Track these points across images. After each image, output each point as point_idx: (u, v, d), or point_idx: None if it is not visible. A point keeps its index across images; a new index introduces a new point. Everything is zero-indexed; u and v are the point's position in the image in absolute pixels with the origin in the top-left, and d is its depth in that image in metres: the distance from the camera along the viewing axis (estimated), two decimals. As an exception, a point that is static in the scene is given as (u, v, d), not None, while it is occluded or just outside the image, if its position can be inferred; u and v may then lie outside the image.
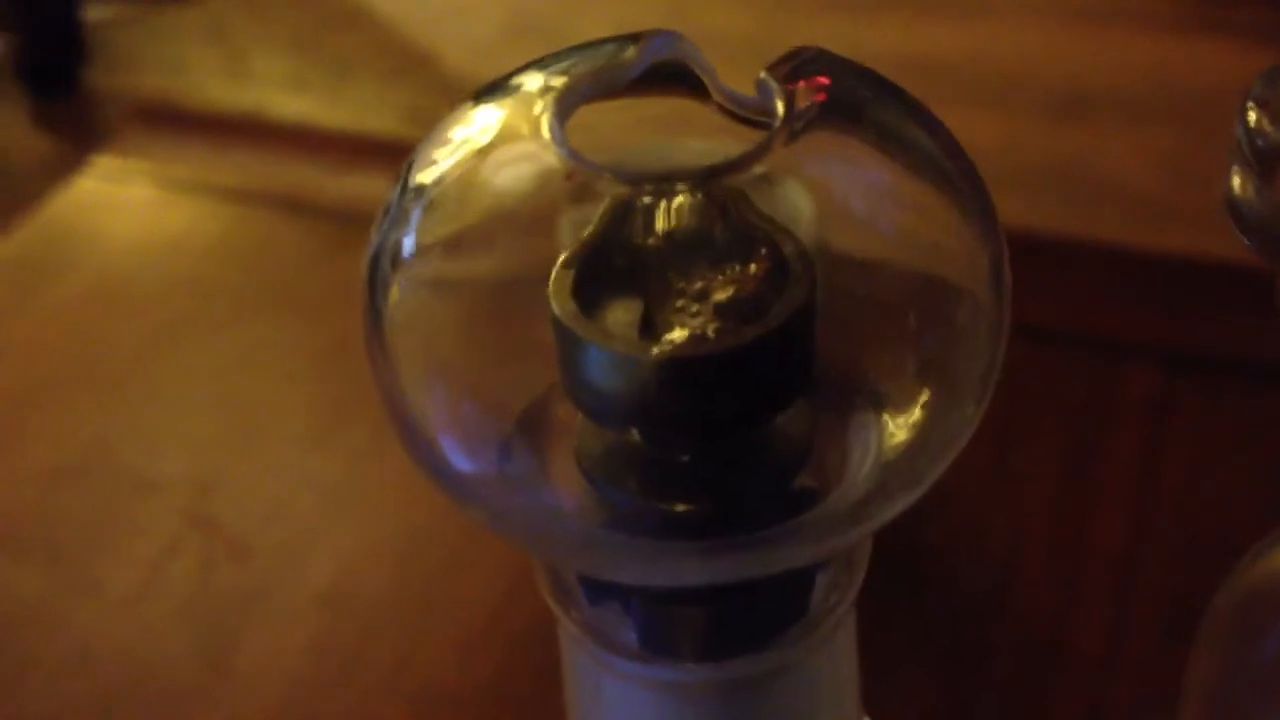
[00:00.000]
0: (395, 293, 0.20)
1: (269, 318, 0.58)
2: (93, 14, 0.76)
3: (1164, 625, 0.45)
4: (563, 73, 0.20)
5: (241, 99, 0.70)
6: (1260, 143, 0.19)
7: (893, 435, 0.20)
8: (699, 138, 0.21)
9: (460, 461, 0.20)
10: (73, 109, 0.71)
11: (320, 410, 0.54)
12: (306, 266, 0.60)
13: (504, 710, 0.45)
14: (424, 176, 0.20)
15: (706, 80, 0.20)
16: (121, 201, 0.65)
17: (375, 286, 0.20)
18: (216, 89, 0.72)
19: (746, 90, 0.20)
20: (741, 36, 0.69)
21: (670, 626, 0.21)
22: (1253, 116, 0.20)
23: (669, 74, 0.20)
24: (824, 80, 0.19)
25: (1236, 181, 0.20)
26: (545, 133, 0.19)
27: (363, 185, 0.56)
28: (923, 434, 0.20)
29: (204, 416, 0.55)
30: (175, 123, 0.70)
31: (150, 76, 0.73)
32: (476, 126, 0.20)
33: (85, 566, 0.50)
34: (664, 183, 0.18)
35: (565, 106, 0.19)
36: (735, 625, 0.21)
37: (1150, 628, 0.45)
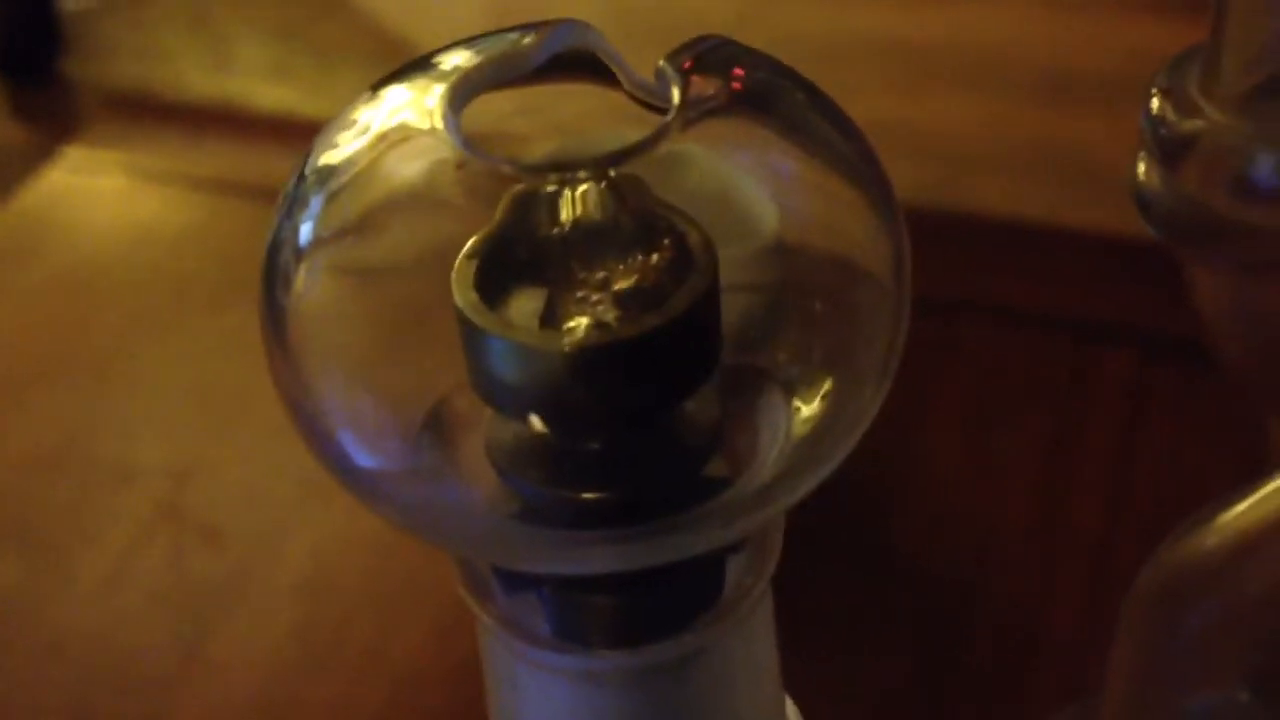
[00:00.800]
0: (295, 284, 0.20)
1: (244, 307, 0.58)
2: (70, 2, 0.75)
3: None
4: (476, 55, 0.20)
5: (221, 88, 0.70)
6: (1164, 131, 0.19)
7: (799, 417, 0.20)
8: (644, 127, 0.21)
9: (366, 458, 0.20)
10: (50, 98, 0.71)
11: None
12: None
13: (482, 692, 0.45)
14: (326, 159, 0.20)
15: (615, 69, 0.20)
16: (95, 191, 0.65)
17: (274, 278, 0.20)
18: (196, 78, 0.72)
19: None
20: (724, 20, 0.69)
21: (582, 615, 0.21)
22: (1156, 104, 0.20)
23: (577, 63, 0.20)
24: (726, 68, 0.20)
25: (1142, 170, 0.20)
26: (439, 123, 0.19)
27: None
28: (827, 416, 0.20)
29: (179, 405, 0.55)
30: (152, 112, 0.70)
31: (128, 65, 0.73)
32: (382, 110, 0.20)
33: (60, 555, 0.50)
34: (557, 173, 0.18)
35: (459, 96, 0.19)
36: (648, 611, 0.21)
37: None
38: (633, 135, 0.20)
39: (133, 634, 0.48)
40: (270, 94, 0.68)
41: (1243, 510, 0.24)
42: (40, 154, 0.66)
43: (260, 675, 0.47)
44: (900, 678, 0.45)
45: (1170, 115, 0.19)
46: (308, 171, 0.20)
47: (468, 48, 0.20)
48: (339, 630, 0.48)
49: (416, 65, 0.20)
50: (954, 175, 0.59)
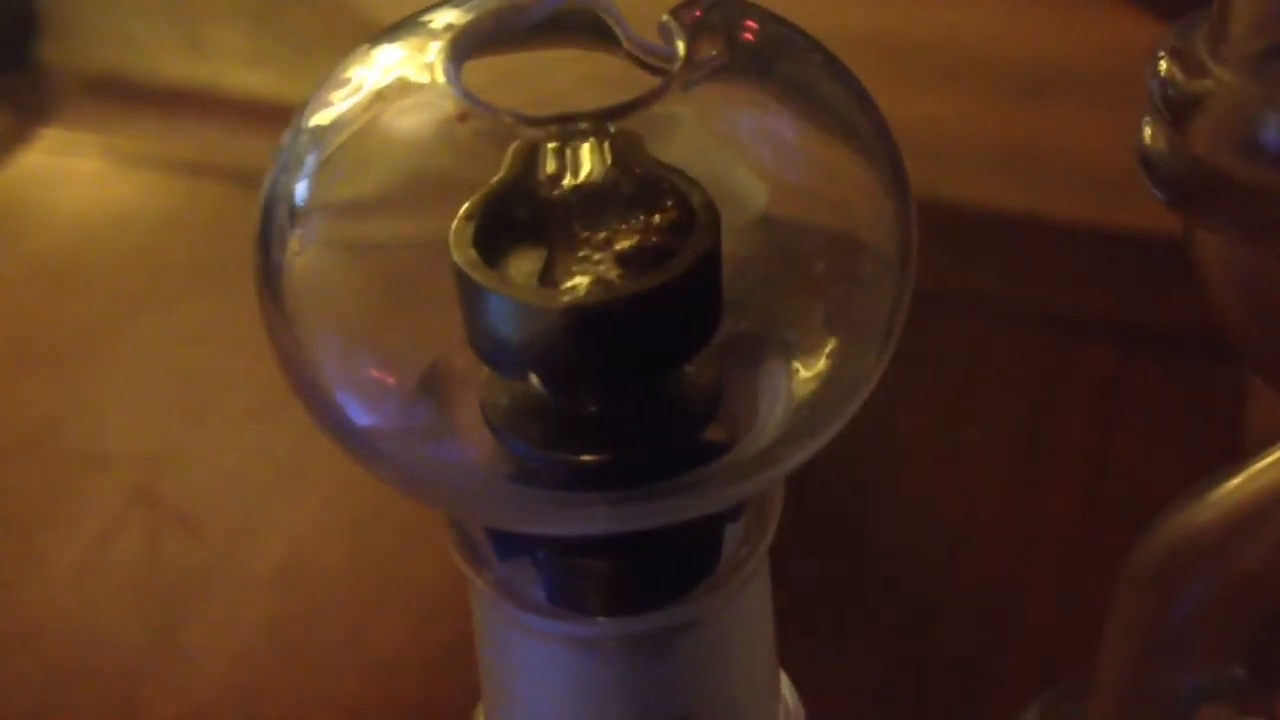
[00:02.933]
0: (290, 243, 0.19)
1: (220, 292, 0.58)
2: (44, -15, 0.75)
3: (1112, 597, 0.45)
4: (470, 11, 0.20)
5: (196, 73, 0.70)
6: (1172, 92, 0.19)
7: (800, 381, 0.20)
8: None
9: (363, 416, 0.20)
10: (25, 82, 0.70)
11: (271, 384, 0.53)
12: (259, 240, 0.59)
13: (457, 680, 0.45)
14: (319, 119, 0.19)
15: (614, 27, 0.20)
16: (70, 174, 0.65)
17: (268, 237, 0.19)
18: (171, 63, 0.71)
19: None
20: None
21: (579, 580, 0.21)
22: (1164, 65, 0.19)
23: (577, 22, 0.20)
24: (733, 24, 0.19)
25: (1148, 133, 0.20)
26: (439, 76, 0.18)
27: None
28: (828, 380, 0.19)
29: (154, 391, 0.55)
30: (126, 96, 0.69)
31: (103, 49, 0.72)
32: (376, 67, 0.19)
33: (32, 542, 0.50)
34: (559, 124, 0.18)
35: (460, 48, 0.19)
36: (644, 578, 0.21)
37: (1101, 599, 0.45)
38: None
39: (105, 623, 0.48)
40: (245, 79, 0.68)
41: (1235, 485, 0.24)
42: (15, 137, 0.65)
43: (235, 665, 0.46)
44: (877, 664, 0.45)
45: (1178, 76, 0.19)
46: (302, 129, 0.19)
47: (457, 5, 0.20)
48: (314, 620, 0.48)
49: (407, 25, 0.20)
50: (933, 170, 0.59)
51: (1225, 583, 0.23)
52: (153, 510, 0.50)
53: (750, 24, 0.19)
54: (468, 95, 0.18)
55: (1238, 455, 0.48)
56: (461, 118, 0.18)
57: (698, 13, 0.19)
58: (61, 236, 0.62)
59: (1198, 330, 0.53)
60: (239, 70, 0.70)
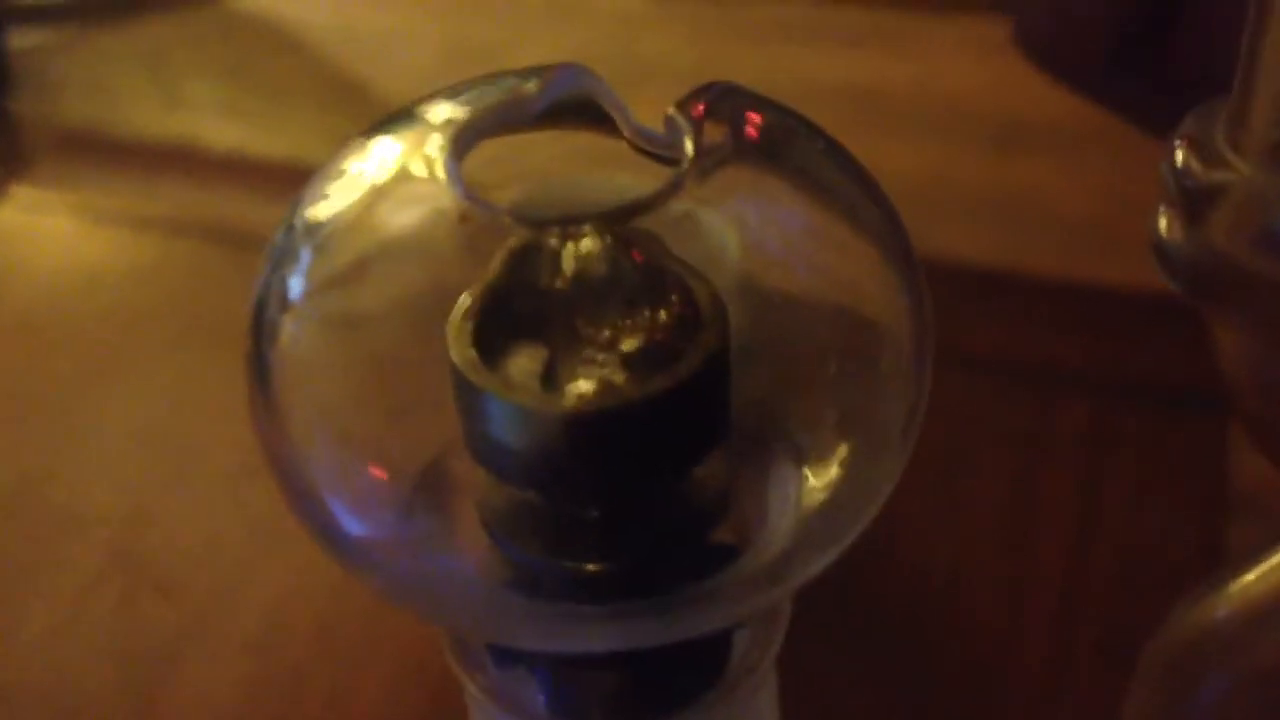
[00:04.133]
0: (282, 340, 0.19)
1: (198, 350, 0.57)
2: (17, 40, 0.74)
3: (1104, 650, 0.45)
4: (467, 104, 0.19)
5: (172, 127, 0.69)
6: (1189, 183, 0.19)
7: (813, 486, 0.19)
8: (629, 170, 0.20)
9: (355, 525, 0.19)
10: (-3, 137, 0.69)
11: (250, 444, 0.53)
12: (237, 297, 0.58)
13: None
14: (314, 214, 0.19)
15: (616, 116, 0.19)
16: (42, 232, 0.64)
17: (260, 333, 0.19)
18: (146, 117, 0.70)
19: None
20: (685, 66, 0.69)
21: (580, 691, 0.20)
22: (1180, 156, 0.19)
23: (577, 109, 0.19)
24: (738, 117, 0.19)
25: (1163, 223, 0.19)
26: (440, 173, 0.18)
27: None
28: (843, 487, 0.19)
29: (130, 451, 0.54)
30: (100, 151, 0.68)
31: (77, 103, 0.72)
32: (372, 162, 0.19)
33: (7, 604, 0.49)
34: (565, 227, 0.18)
35: (462, 143, 0.18)
36: (649, 689, 0.20)
37: (1092, 654, 0.45)
38: (608, 180, 0.19)
39: (81, 687, 0.47)
40: (221, 133, 0.67)
41: (1254, 579, 0.23)
42: (-13, 193, 0.64)
43: (212, 730, 0.46)
44: (871, 715, 0.45)
45: (1195, 167, 0.19)
46: (296, 223, 0.19)
47: (451, 98, 0.19)
48: (294, 683, 0.47)
49: (403, 117, 0.19)
50: (910, 222, 0.58)
51: (1243, 677, 0.23)
52: (130, 571, 0.49)
53: (755, 117, 0.19)
54: (469, 195, 0.17)
55: (1224, 508, 0.48)
56: (463, 219, 0.17)
57: (703, 106, 0.18)
58: (35, 294, 0.61)
59: (1180, 382, 0.52)
60: (214, 124, 0.70)
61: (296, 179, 0.60)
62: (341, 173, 0.19)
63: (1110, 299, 0.56)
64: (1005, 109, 0.64)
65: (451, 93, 0.19)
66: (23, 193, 0.65)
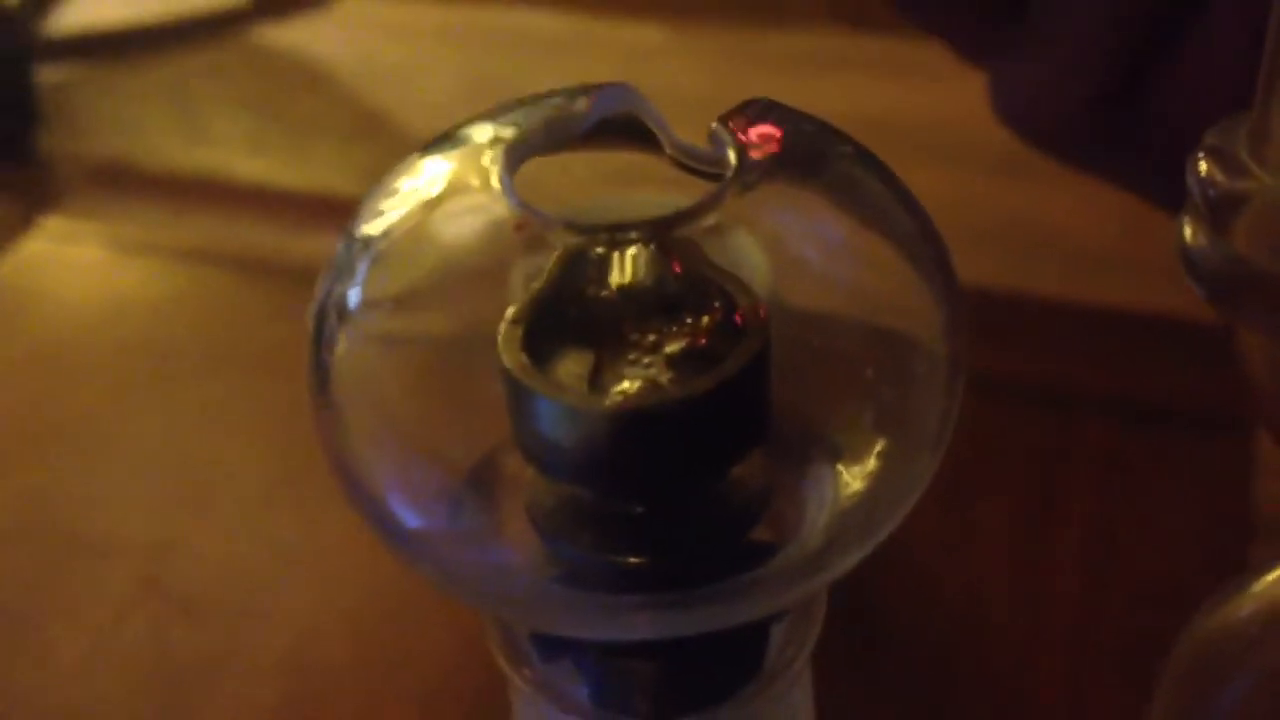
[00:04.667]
0: (341, 347, 0.19)
1: (224, 378, 0.58)
2: (46, 75, 0.75)
3: (1121, 675, 0.45)
4: (512, 124, 0.20)
5: (199, 161, 0.70)
6: (1212, 193, 0.19)
7: (849, 486, 0.20)
8: (652, 190, 0.21)
9: (410, 518, 0.20)
10: (26, 172, 0.70)
11: (276, 470, 0.54)
12: (263, 326, 0.59)
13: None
14: (371, 229, 0.20)
15: (658, 132, 0.20)
16: (74, 262, 0.65)
17: (320, 340, 0.19)
18: (173, 151, 0.71)
19: (700, 144, 0.20)
20: (696, 94, 0.69)
21: (624, 683, 0.20)
22: (1204, 166, 0.19)
23: (620, 127, 0.20)
24: (778, 131, 0.19)
25: (1189, 232, 0.20)
26: (495, 184, 0.19)
27: (323, 245, 0.55)
28: (878, 484, 0.19)
29: (157, 478, 0.55)
30: (129, 184, 0.69)
31: (105, 138, 0.72)
32: (424, 178, 0.20)
33: (34, 632, 0.49)
34: (616, 234, 0.18)
35: (515, 158, 0.19)
36: (690, 681, 0.20)
37: (1109, 677, 0.45)
38: (649, 197, 0.19)
39: (114, 714, 0.47)
40: (248, 167, 0.68)
41: (1276, 579, 0.24)
42: (18, 226, 0.65)
43: (240, 753, 0.46)
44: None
45: (1218, 176, 0.19)
46: (354, 237, 0.20)
47: (499, 118, 0.20)
48: (323, 706, 0.47)
49: (450, 139, 0.20)
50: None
51: (1266, 675, 0.23)
52: (158, 599, 0.50)
53: (796, 130, 0.20)
54: (523, 205, 0.18)
55: (1247, 530, 0.48)
56: (518, 228, 0.18)
57: (746, 119, 0.19)
58: (64, 324, 0.62)
59: (1199, 405, 0.53)
60: (241, 158, 0.71)
61: (321, 210, 0.61)
62: (397, 188, 0.20)
63: (1123, 322, 0.57)
64: (1011, 135, 0.64)
65: (498, 113, 0.20)
66: (52, 223, 0.66)
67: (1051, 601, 0.48)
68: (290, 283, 0.60)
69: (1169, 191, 0.44)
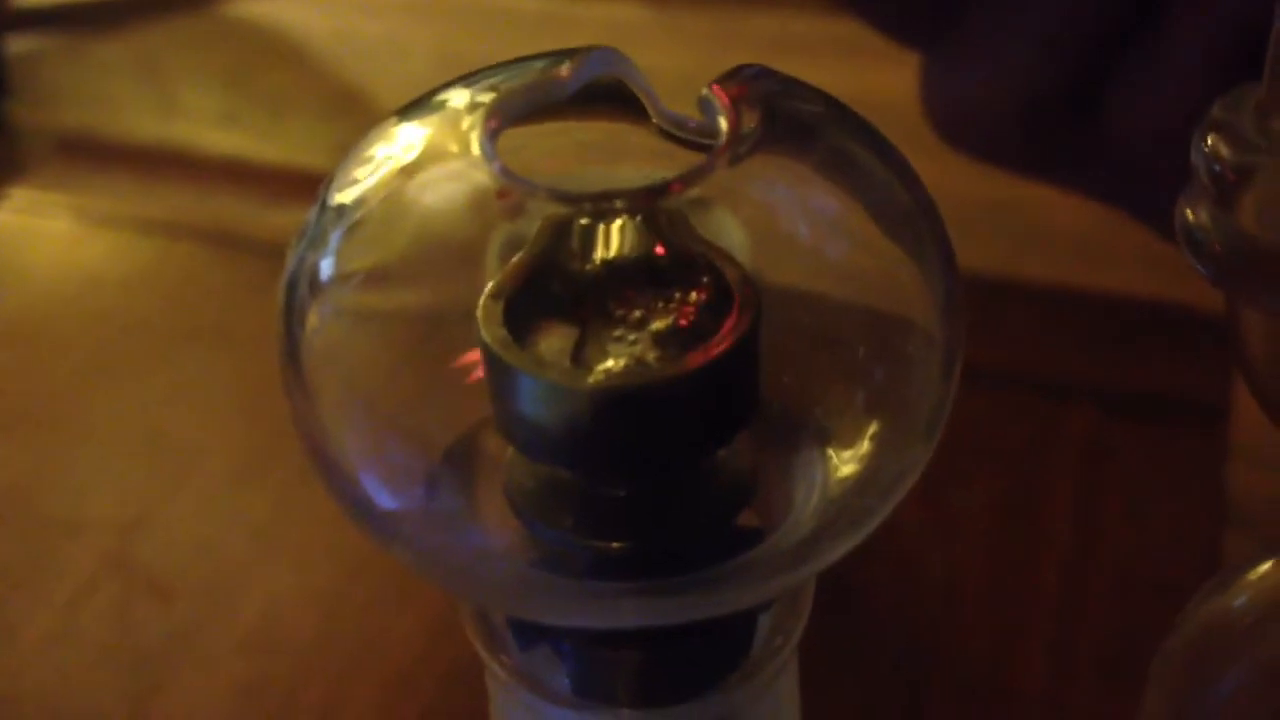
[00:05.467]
0: (313, 319, 0.19)
1: (195, 353, 0.57)
2: (14, 46, 0.74)
3: (1102, 665, 0.45)
4: (490, 89, 0.19)
5: (169, 134, 0.69)
6: (1218, 168, 0.19)
7: (839, 471, 0.19)
8: (633, 164, 0.20)
9: (384, 499, 0.19)
10: (-6, 143, 0.69)
11: (248, 448, 0.53)
12: (235, 301, 0.59)
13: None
14: (344, 196, 0.19)
15: (645, 100, 0.19)
16: (40, 234, 0.64)
17: (291, 313, 0.19)
18: (143, 124, 0.70)
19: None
20: (679, 74, 0.69)
21: (605, 671, 0.20)
22: (1209, 141, 0.19)
23: (605, 94, 0.19)
24: (770, 99, 0.19)
25: (1192, 210, 0.19)
26: (475, 149, 0.18)
27: (295, 221, 0.54)
28: (870, 470, 0.19)
29: (127, 455, 0.54)
30: (98, 155, 0.68)
31: (75, 110, 0.72)
32: (400, 144, 0.19)
33: (1, 609, 0.49)
34: (602, 202, 0.18)
35: (497, 122, 0.18)
36: (674, 670, 0.20)
37: (1088, 668, 0.45)
38: (636, 171, 0.19)
39: (77, 693, 0.47)
40: (219, 140, 0.67)
41: (1270, 568, 0.23)
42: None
43: (207, 734, 0.46)
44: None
45: (1224, 151, 0.19)
46: (327, 204, 0.19)
47: (478, 82, 0.20)
48: (291, 688, 0.47)
49: (424, 104, 0.20)
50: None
51: (1262, 668, 0.23)
52: (126, 577, 0.49)
53: (791, 98, 0.19)
54: (505, 171, 0.17)
55: (1220, 520, 0.48)
56: (501, 194, 0.17)
57: (739, 87, 0.18)
58: (33, 297, 0.61)
59: (1179, 392, 0.52)
60: (211, 131, 0.70)
61: (293, 185, 0.60)
62: (372, 154, 0.19)
63: (1106, 309, 0.57)
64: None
65: (467, 81, 0.20)
66: (20, 195, 0.65)
67: (1031, 589, 0.48)
68: (261, 258, 0.59)
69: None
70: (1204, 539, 0.48)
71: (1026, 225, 0.62)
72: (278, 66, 0.75)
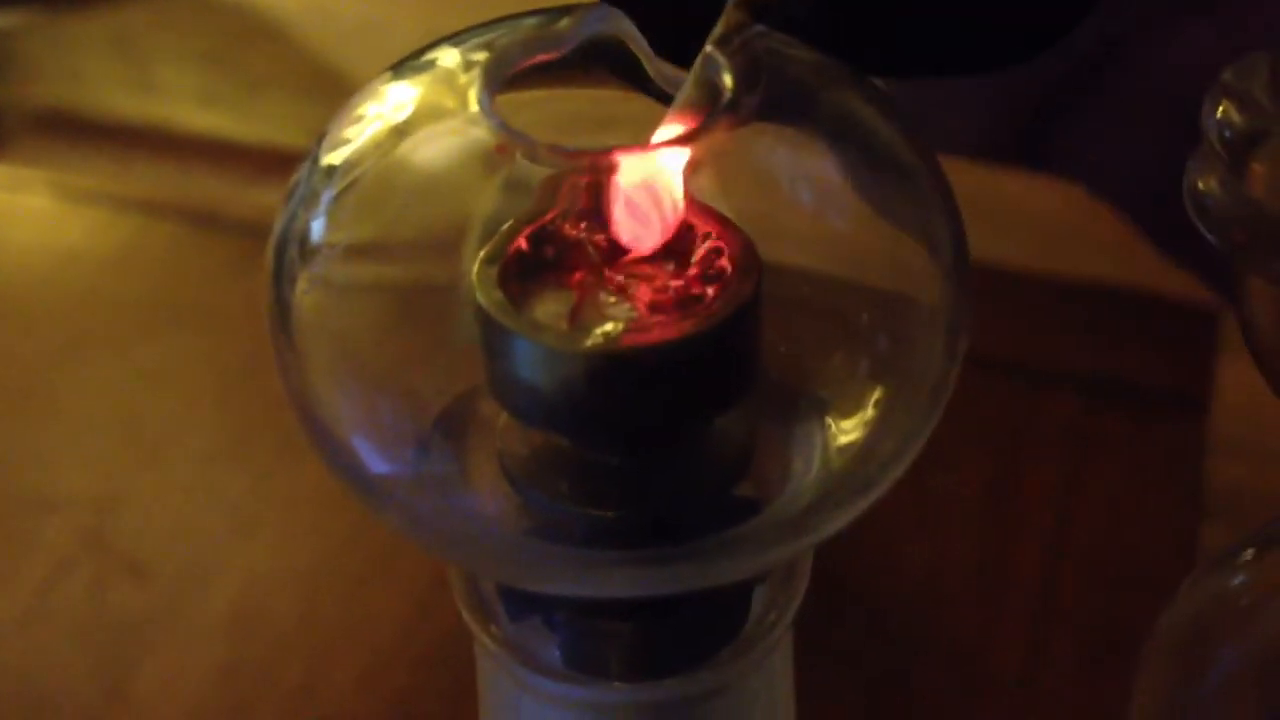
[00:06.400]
0: (303, 282, 0.18)
1: (173, 332, 0.56)
2: (-9, 21, 0.74)
3: (1082, 648, 0.45)
4: (483, 48, 0.19)
5: (148, 111, 0.69)
6: (1229, 134, 0.18)
7: (839, 442, 0.18)
8: (625, 133, 0.19)
9: (375, 463, 0.18)
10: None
11: (226, 427, 0.52)
12: (213, 280, 0.58)
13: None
14: (335, 156, 0.18)
15: (644, 59, 0.19)
16: (18, 210, 0.63)
17: (280, 275, 0.18)
18: (121, 101, 0.70)
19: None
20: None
21: (597, 644, 0.19)
22: (1221, 107, 0.19)
23: (602, 53, 0.19)
24: (772, 59, 0.18)
25: (1200, 178, 0.19)
26: (473, 105, 0.17)
27: (273, 199, 0.54)
28: (870, 443, 0.18)
29: (105, 434, 0.53)
30: (76, 132, 0.68)
31: (52, 87, 0.71)
32: (391, 103, 0.18)
33: (-27, 588, 0.48)
34: (600, 158, 0.17)
35: (495, 78, 0.18)
36: (667, 643, 0.19)
37: (1069, 650, 0.45)
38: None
39: (52, 671, 0.46)
40: (197, 118, 0.67)
41: (1258, 555, 0.23)
42: (-37, 172, 0.64)
43: (185, 716, 0.45)
44: (849, 716, 0.44)
45: (1235, 117, 0.18)
46: (318, 164, 0.18)
47: (458, 44, 0.19)
48: (267, 668, 0.46)
49: (413, 64, 0.19)
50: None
51: (1258, 645, 0.22)
52: (101, 555, 0.49)
53: (792, 59, 0.18)
54: (504, 126, 0.17)
55: (1199, 509, 0.48)
56: (500, 149, 0.17)
57: (741, 45, 0.18)
58: (10, 274, 0.61)
59: (1158, 379, 0.53)
60: (190, 109, 0.69)
61: (271, 164, 0.59)
62: (364, 113, 0.19)
63: (1085, 296, 0.57)
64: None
65: (456, 40, 0.19)
66: (-1, 171, 0.65)
67: (1012, 571, 0.48)
68: (239, 236, 0.58)
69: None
70: (1183, 529, 0.48)
71: (1005, 211, 0.62)
72: (256, 45, 0.74)
